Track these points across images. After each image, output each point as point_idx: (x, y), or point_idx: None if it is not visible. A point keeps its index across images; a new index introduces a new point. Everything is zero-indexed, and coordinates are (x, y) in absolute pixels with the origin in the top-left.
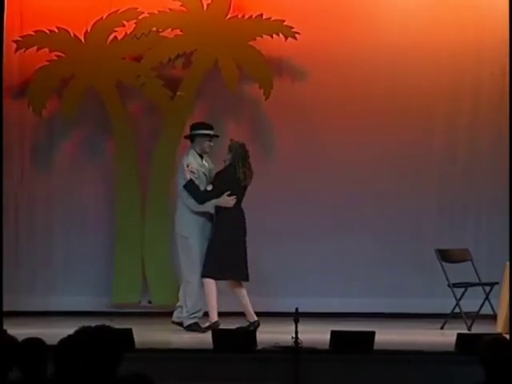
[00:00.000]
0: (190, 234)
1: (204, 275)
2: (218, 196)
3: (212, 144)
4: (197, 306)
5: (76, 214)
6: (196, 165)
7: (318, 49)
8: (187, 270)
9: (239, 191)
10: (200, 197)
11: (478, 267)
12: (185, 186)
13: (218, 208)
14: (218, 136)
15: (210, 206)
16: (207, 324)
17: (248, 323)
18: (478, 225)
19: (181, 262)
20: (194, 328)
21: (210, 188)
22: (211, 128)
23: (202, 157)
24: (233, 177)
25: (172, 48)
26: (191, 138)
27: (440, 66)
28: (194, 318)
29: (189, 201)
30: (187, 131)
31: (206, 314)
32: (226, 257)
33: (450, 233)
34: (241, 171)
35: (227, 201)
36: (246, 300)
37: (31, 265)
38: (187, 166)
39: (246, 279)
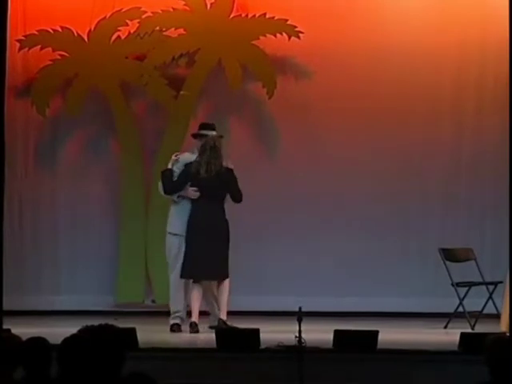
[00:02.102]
0: (172, 230)
1: (180, 276)
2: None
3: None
4: (176, 306)
5: (80, 214)
6: (187, 159)
7: (322, 48)
8: (169, 267)
9: (199, 185)
10: (167, 186)
11: (482, 266)
12: (162, 172)
13: (191, 209)
14: (221, 137)
15: (174, 195)
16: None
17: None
18: (482, 224)
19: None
20: (174, 329)
21: (175, 179)
22: (211, 128)
23: None
24: (190, 170)
25: (175, 47)
26: (196, 136)
27: (445, 65)
28: (174, 318)
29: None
30: (191, 130)
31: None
32: (194, 256)
33: (454, 232)
34: (195, 164)
35: (189, 192)
36: (221, 299)
37: (36, 264)
38: (175, 156)
39: (216, 279)
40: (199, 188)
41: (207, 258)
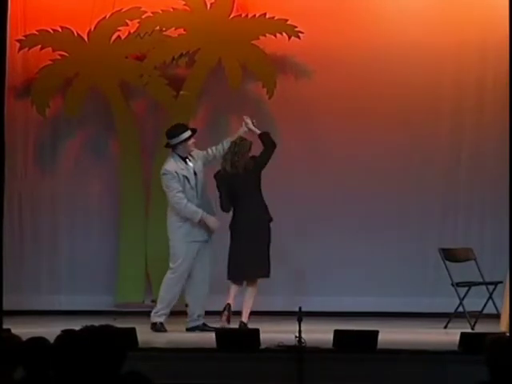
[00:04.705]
0: (173, 237)
1: (228, 278)
2: (225, 194)
3: (194, 140)
4: (168, 305)
5: (80, 214)
6: (177, 169)
7: (322, 48)
8: (171, 268)
9: (231, 184)
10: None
11: (482, 266)
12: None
13: (234, 209)
14: (196, 130)
15: (197, 217)
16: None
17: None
18: (482, 224)
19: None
20: (158, 328)
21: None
22: (188, 127)
23: (185, 159)
24: (224, 172)
25: (175, 47)
26: (173, 145)
27: (445, 65)
28: (161, 316)
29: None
30: None
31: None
32: (239, 257)
33: (454, 232)
34: (228, 163)
35: (212, 221)
36: (248, 301)
37: (35, 264)
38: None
39: (262, 276)
40: (233, 188)
41: (250, 258)
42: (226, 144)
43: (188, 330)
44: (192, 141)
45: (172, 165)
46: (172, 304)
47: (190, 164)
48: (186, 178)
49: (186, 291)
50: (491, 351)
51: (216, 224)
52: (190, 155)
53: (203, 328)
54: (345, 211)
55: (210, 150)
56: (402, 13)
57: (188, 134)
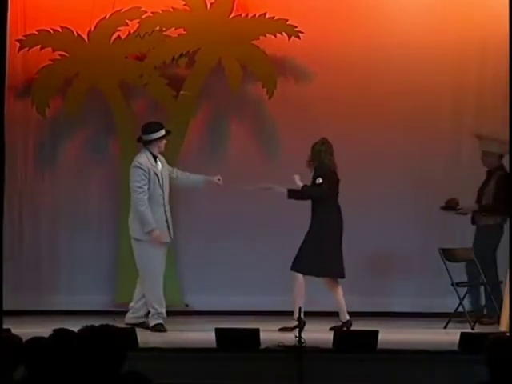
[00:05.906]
0: (142, 237)
1: (294, 269)
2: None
3: (166, 141)
4: (162, 306)
5: (80, 214)
6: (149, 165)
7: (322, 48)
8: (142, 271)
9: (333, 184)
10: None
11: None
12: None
13: (314, 204)
14: (169, 132)
15: (145, 221)
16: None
17: (341, 323)
18: None
19: (136, 263)
20: (158, 328)
21: (319, 181)
22: (163, 127)
23: (155, 158)
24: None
25: (175, 47)
26: (147, 141)
27: (444, 64)
28: (157, 318)
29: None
30: (191, 130)
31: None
32: (320, 253)
33: (454, 232)
34: (327, 163)
35: (156, 236)
36: (341, 299)
37: (35, 264)
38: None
39: (341, 276)
40: (332, 188)
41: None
42: (187, 176)
43: (127, 324)
44: (164, 141)
45: (145, 159)
46: (161, 305)
47: (159, 164)
48: (157, 175)
49: (137, 287)
50: (491, 351)
51: (158, 240)
52: (159, 157)
53: (142, 326)
54: (344, 211)
55: (172, 169)
56: (401, 12)
57: (162, 133)
